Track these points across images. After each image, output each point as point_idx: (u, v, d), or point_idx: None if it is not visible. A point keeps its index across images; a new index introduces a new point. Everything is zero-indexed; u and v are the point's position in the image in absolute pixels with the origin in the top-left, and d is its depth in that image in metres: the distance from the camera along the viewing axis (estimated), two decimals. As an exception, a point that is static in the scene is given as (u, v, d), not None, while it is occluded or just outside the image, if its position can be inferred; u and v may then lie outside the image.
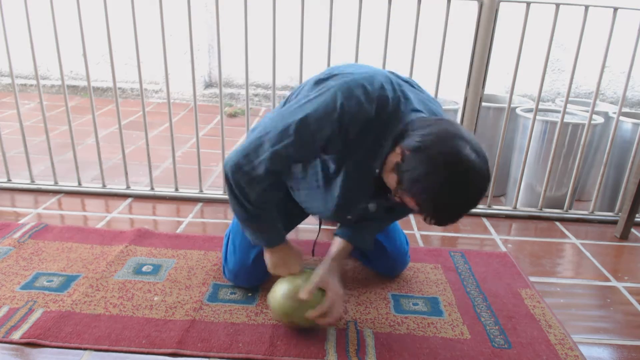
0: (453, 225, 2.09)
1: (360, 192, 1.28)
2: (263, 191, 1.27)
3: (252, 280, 1.52)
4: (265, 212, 1.33)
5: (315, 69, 1.46)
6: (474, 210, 2.18)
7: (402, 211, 1.42)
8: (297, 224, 1.66)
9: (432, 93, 2.10)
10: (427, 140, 1.04)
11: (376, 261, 1.61)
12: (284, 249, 1.40)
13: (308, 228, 1.97)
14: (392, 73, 1.25)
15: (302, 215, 1.56)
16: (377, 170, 1.19)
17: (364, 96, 1.13)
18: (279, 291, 1.33)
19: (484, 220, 2.17)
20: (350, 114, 1.12)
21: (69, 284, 1.52)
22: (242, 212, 1.32)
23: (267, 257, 1.41)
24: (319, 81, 1.23)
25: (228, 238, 1.56)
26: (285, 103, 1.36)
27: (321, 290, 1.31)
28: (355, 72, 1.18)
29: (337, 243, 1.43)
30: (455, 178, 1.02)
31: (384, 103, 1.15)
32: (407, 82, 1.26)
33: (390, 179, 1.14)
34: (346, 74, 1.18)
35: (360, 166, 1.22)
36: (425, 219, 1.11)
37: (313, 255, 1.74)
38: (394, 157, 1.12)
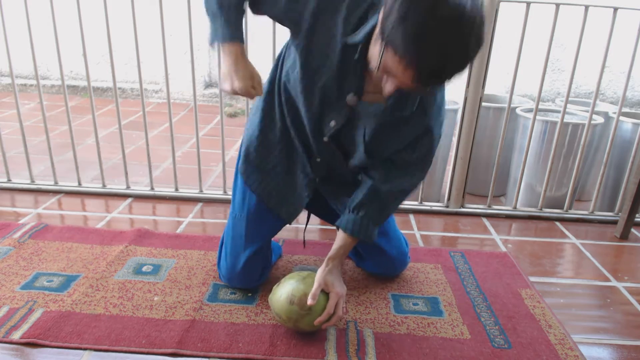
0: (453, 225, 2.10)
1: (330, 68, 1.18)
2: None
3: (245, 283, 1.52)
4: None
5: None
6: (474, 210, 2.20)
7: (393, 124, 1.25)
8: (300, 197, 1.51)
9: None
10: None
11: (375, 263, 1.61)
12: (240, 54, 1.23)
13: (308, 228, 1.97)
14: None
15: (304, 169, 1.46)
16: (357, 42, 1.10)
17: None
18: (282, 295, 1.31)
19: (484, 220, 2.17)
20: None
21: (69, 284, 1.52)
22: None
23: (224, 65, 1.23)
24: None
25: (222, 242, 1.56)
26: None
27: (323, 292, 1.31)
28: None
29: (338, 240, 1.39)
30: (442, 10, 0.88)
31: None
32: None
33: (374, 49, 1.03)
34: None
35: (329, 39, 1.14)
36: (419, 80, 0.96)
37: (304, 246, 1.73)
38: (378, 25, 0.99)
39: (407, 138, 1.29)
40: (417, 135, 1.28)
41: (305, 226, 1.66)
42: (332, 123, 1.28)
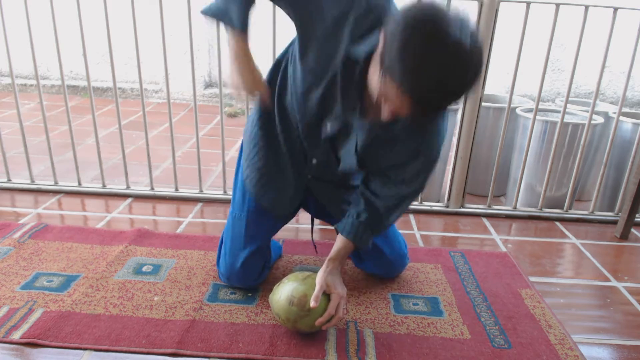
0: (453, 225, 2.10)
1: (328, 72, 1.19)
2: None
3: (244, 282, 1.51)
4: None
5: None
6: (474, 210, 2.20)
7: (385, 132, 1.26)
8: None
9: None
10: (408, 14, 0.93)
11: (374, 264, 1.61)
12: (244, 49, 1.25)
13: (307, 228, 1.97)
14: None
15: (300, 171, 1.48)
16: (358, 59, 1.12)
17: None
18: (282, 295, 1.31)
19: (484, 220, 2.17)
20: None
21: (69, 284, 1.52)
22: None
23: (231, 63, 1.26)
24: None
25: (221, 241, 1.56)
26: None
27: (324, 293, 1.30)
28: None
29: (338, 241, 1.40)
30: (442, 44, 0.90)
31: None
32: None
33: (373, 72, 1.04)
34: None
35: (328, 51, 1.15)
36: (415, 109, 0.98)
37: (316, 251, 1.74)
38: (378, 48, 1.00)
39: (400, 156, 1.30)
40: (411, 155, 1.29)
41: (311, 229, 1.66)
42: (328, 127, 1.29)
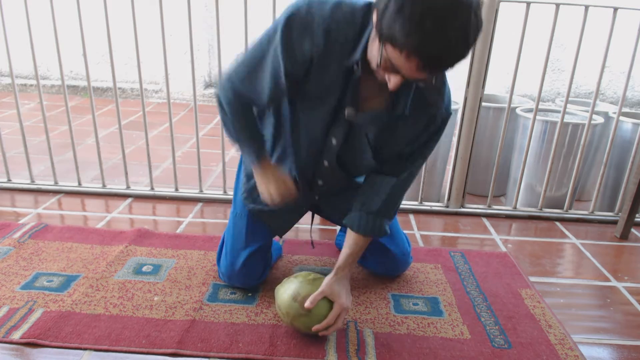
0: (453, 225, 2.10)
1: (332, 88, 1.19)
2: (239, 106, 1.27)
3: (245, 282, 1.51)
4: (246, 122, 1.31)
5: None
6: (474, 210, 2.20)
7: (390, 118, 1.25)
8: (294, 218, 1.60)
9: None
10: None
11: (378, 262, 1.60)
12: (270, 168, 1.34)
13: (307, 228, 1.97)
14: None
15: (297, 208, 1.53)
16: (355, 60, 1.11)
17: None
18: (289, 289, 1.31)
19: (484, 220, 2.17)
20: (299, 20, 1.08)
21: (69, 284, 1.52)
22: (228, 123, 1.32)
23: (258, 180, 1.37)
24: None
25: (223, 241, 1.56)
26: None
27: (328, 301, 1.29)
28: None
29: (346, 247, 1.37)
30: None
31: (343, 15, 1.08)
32: None
33: (373, 47, 1.04)
34: None
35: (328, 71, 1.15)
36: (424, 68, 0.96)
37: (312, 247, 1.74)
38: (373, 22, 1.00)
39: (415, 129, 1.27)
40: (426, 123, 1.26)
41: (310, 227, 1.66)
42: (334, 141, 1.28)
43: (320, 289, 1.28)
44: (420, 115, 1.24)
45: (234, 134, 1.34)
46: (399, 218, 2.04)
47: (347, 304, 1.30)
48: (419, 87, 1.18)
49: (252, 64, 1.19)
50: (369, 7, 1.09)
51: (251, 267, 1.48)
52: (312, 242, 1.73)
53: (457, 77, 2.24)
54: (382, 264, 1.60)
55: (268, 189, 1.34)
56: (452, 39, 0.92)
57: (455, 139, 2.19)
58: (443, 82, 1.23)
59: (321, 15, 1.08)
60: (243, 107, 1.28)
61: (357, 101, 1.20)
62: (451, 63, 0.97)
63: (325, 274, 1.35)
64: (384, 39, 0.96)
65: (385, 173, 1.34)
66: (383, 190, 1.34)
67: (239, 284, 1.52)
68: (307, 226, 1.97)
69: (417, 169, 1.37)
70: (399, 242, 1.58)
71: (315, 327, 1.27)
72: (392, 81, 1.03)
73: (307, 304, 1.26)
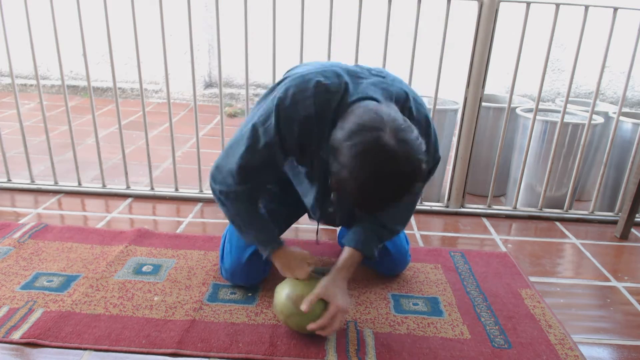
0: (453, 225, 2.10)
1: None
2: (239, 195, 1.33)
3: (249, 279, 1.52)
4: (252, 216, 1.38)
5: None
6: (474, 210, 2.20)
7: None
8: (292, 222, 1.69)
9: (432, 93, 2.11)
10: (346, 133, 1.05)
11: (377, 261, 1.60)
12: (285, 253, 1.39)
13: (308, 228, 1.97)
14: (341, 67, 1.25)
15: (297, 210, 1.61)
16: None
17: (300, 95, 1.17)
18: (286, 288, 1.32)
19: (484, 220, 2.17)
20: (286, 116, 1.18)
21: (69, 284, 1.52)
22: (232, 217, 1.38)
23: (277, 266, 1.41)
24: (272, 88, 1.29)
25: (225, 237, 1.56)
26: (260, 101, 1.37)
27: (323, 302, 1.29)
28: (298, 72, 1.22)
29: (345, 252, 1.39)
30: (377, 169, 1.02)
31: (323, 99, 1.17)
32: (369, 70, 1.27)
33: (333, 181, 1.16)
34: (285, 80, 1.22)
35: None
36: (364, 211, 1.17)
37: (317, 243, 1.77)
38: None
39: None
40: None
41: (317, 227, 1.68)
42: (330, 209, 1.43)
43: (315, 291, 1.28)
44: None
45: (242, 228, 1.39)
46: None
47: (344, 305, 1.29)
48: None
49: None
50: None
51: (255, 264, 1.48)
52: (317, 237, 1.77)
53: (457, 77, 2.24)
54: (380, 263, 1.60)
55: (291, 271, 1.37)
56: (391, 198, 1.06)
57: (455, 139, 2.19)
58: (428, 136, 1.29)
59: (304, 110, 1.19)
60: (246, 193, 1.34)
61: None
62: (389, 206, 1.10)
63: (325, 274, 1.35)
64: (338, 185, 1.08)
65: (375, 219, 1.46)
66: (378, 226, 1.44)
67: (241, 281, 1.52)
68: (308, 226, 1.97)
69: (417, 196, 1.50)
70: (398, 241, 1.59)
71: (309, 326, 1.27)
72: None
73: (302, 306, 1.25)
